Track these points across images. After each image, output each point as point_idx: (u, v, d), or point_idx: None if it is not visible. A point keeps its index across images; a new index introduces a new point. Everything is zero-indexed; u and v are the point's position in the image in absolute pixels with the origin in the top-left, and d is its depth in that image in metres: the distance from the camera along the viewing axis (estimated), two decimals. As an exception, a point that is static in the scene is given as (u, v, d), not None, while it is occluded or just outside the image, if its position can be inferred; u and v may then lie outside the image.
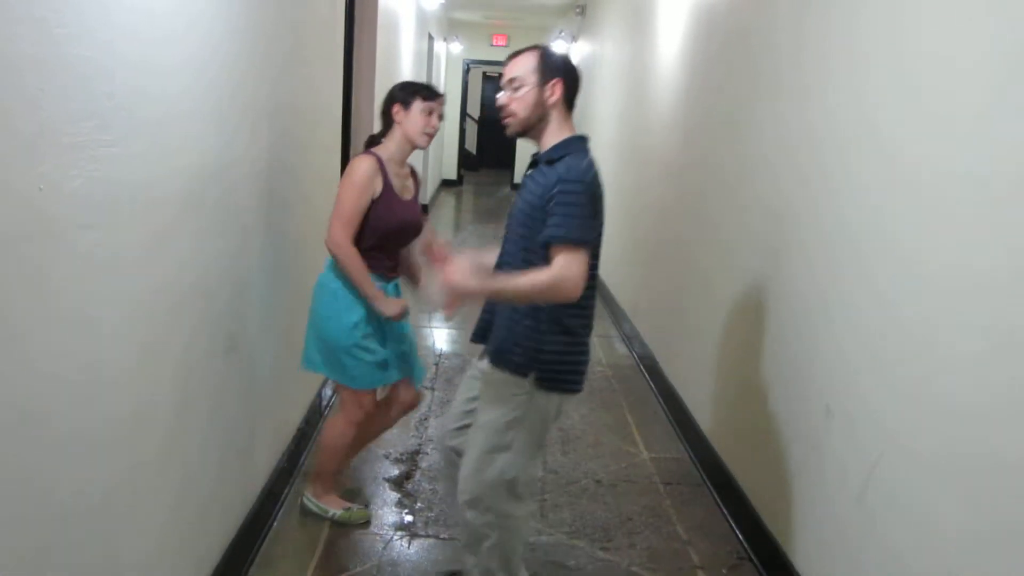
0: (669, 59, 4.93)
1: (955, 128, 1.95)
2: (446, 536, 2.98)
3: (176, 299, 2.00)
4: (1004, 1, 1.81)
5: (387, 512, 3.12)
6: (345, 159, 4.93)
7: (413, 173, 2.94)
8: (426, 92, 2.75)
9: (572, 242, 2.09)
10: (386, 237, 2.76)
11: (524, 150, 14.75)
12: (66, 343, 1.50)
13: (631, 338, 5.54)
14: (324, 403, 3.90)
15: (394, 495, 3.25)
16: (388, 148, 2.77)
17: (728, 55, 3.75)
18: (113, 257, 1.65)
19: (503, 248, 2.35)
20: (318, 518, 2.99)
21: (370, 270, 2.72)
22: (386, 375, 2.86)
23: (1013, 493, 1.67)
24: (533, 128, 2.27)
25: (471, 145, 16.96)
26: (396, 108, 2.73)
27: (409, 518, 3.09)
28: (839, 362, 2.43)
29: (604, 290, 6.77)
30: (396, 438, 3.78)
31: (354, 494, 3.21)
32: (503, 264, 2.31)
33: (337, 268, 2.73)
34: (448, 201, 13.21)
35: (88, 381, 1.58)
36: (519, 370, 2.24)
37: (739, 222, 3.41)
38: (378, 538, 2.94)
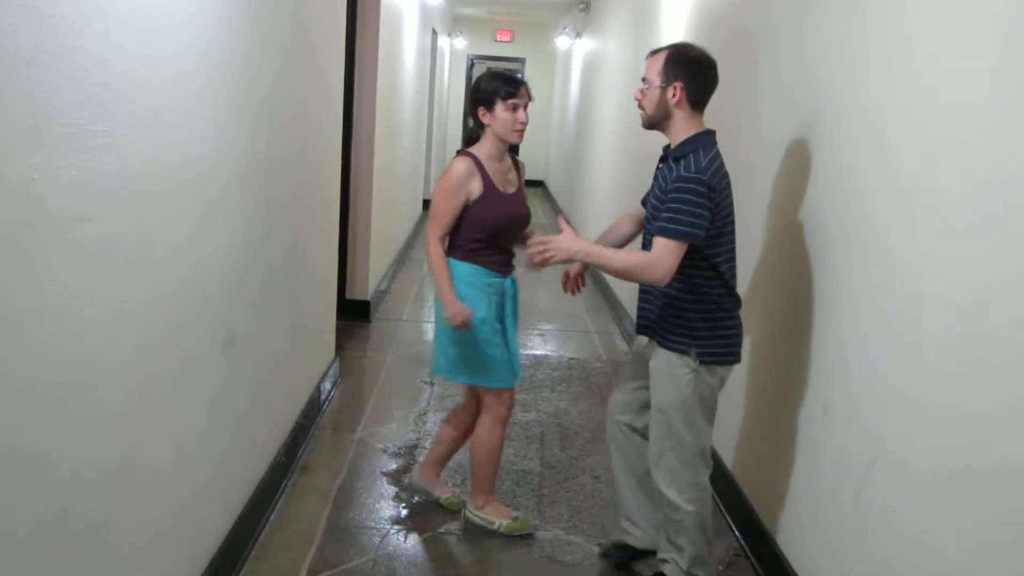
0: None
1: (955, 131, 1.93)
2: (443, 530, 2.99)
3: (173, 292, 1.99)
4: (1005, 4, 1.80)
5: (384, 506, 3.13)
6: (347, 153, 4.94)
7: (516, 164, 2.93)
8: (505, 90, 2.70)
9: (672, 235, 2.29)
10: (494, 233, 2.75)
11: (527, 146, 14.71)
12: (60, 336, 1.50)
13: (630, 334, 5.53)
14: (323, 397, 3.91)
15: (391, 489, 3.25)
16: (484, 147, 2.77)
17: (730, 53, 3.74)
18: (108, 249, 1.65)
19: (644, 234, 2.58)
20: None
21: (483, 266, 2.75)
22: (515, 372, 2.85)
23: (1007, 501, 1.66)
24: (660, 124, 2.49)
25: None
26: (481, 111, 2.73)
27: (406, 512, 3.09)
28: (837, 361, 2.43)
29: (605, 287, 6.77)
30: (395, 432, 3.78)
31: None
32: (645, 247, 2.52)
33: (461, 269, 2.75)
34: (451, 196, 13.17)
35: (82, 375, 1.58)
36: (679, 348, 2.46)
37: (740, 219, 3.39)
38: (375, 532, 2.94)
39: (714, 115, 2.52)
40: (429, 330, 5.56)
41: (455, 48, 14.03)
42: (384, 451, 3.59)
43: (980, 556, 1.74)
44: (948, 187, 1.96)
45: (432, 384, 4.44)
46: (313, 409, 3.70)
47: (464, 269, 2.75)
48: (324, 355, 4.04)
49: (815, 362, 2.57)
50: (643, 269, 2.33)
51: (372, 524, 2.99)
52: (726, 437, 3.37)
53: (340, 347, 4.51)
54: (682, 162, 2.37)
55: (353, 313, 5.38)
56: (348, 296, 5.35)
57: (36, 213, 1.39)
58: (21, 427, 1.40)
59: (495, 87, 2.72)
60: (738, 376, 3.21)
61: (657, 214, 2.38)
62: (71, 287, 1.52)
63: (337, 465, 3.42)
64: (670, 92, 2.42)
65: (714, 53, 2.53)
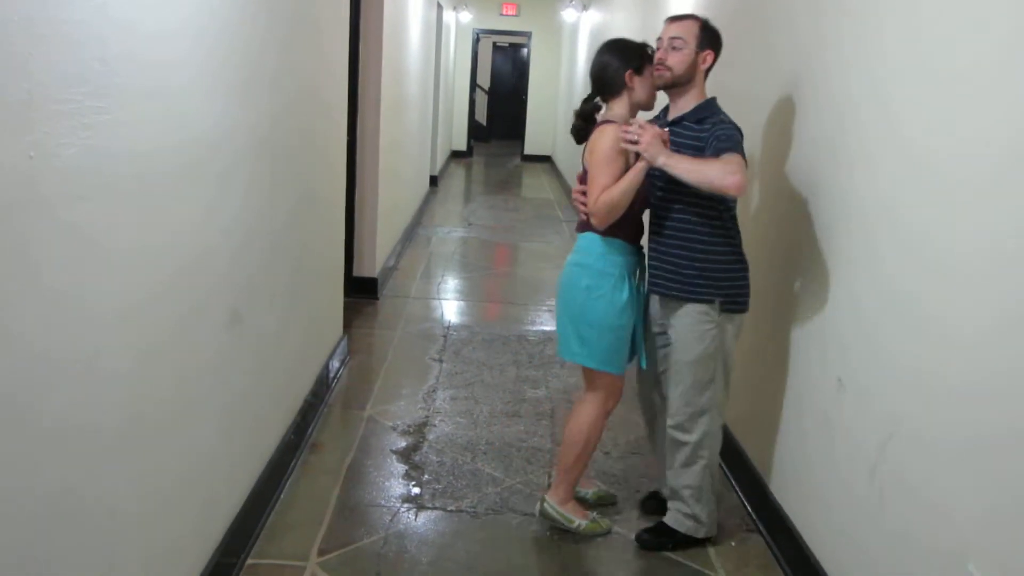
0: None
1: (967, 103, 1.89)
2: (453, 508, 2.98)
3: (176, 271, 1.97)
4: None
5: (394, 484, 3.12)
6: (352, 129, 4.89)
7: None
8: (651, 54, 2.63)
9: (737, 149, 2.40)
10: (635, 203, 2.60)
11: (534, 121, 14.66)
12: (58, 316, 1.47)
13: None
14: (331, 375, 3.90)
15: (401, 467, 3.24)
16: (618, 115, 2.64)
17: (740, 25, 3.67)
18: (108, 229, 1.62)
19: (654, 200, 2.63)
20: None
21: (619, 238, 2.64)
22: (632, 358, 2.78)
23: (1021, 476, 1.64)
24: (680, 86, 2.57)
25: (481, 116, 16.85)
26: (630, 75, 2.61)
27: (416, 490, 3.08)
28: (850, 334, 2.39)
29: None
30: (404, 410, 3.77)
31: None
32: (659, 210, 2.63)
33: (602, 245, 2.63)
34: (458, 172, 13.15)
35: (82, 357, 1.56)
36: (705, 298, 2.56)
37: (750, 191, 3.35)
38: (385, 510, 2.93)
39: (725, 87, 2.50)
40: (437, 307, 5.53)
41: (460, 22, 13.90)
42: (394, 429, 3.57)
43: (997, 528, 1.72)
44: (956, 151, 1.91)
45: (441, 361, 4.42)
46: (322, 387, 3.69)
47: (616, 245, 2.66)
48: (332, 333, 4.02)
49: (828, 335, 2.54)
50: (726, 174, 2.32)
51: (382, 502, 2.98)
52: (737, 410, 3.35)
53: (348, 325, 4.49)
54: (708, 121, 2.51)
55: (360, 290, 5.36)
56: (355, 273, 5.33)
57: (34, 192, 1.36)
58: (14, 416, 1.38)
59: (642, 51, 2.62)
60: (750, 348, 3.19)
61: (668, 181, 2.50)
62: (68, 269, 1.49)
63: (347, 443, 3.41)
64: (701, 58, 2.55)
65: (724, 24, 2.52)
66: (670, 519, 2.79)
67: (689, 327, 2.59)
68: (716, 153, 2.40)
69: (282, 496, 2.95)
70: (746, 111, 3.46)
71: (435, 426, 3.62)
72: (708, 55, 2.56)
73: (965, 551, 1.80)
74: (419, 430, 3.58)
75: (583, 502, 2.97)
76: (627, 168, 2.53)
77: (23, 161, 1.32)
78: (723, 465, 3.39)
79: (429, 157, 9.86)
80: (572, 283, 2.70)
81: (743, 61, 3.59)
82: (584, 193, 2.60)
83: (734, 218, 2.62)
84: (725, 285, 2.58)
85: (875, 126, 2.32)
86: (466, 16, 13.81)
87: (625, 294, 2.65)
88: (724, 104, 2.63)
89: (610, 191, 2.50)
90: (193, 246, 2.07)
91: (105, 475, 1.68)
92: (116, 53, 1.60)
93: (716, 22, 2.61)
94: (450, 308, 5.54)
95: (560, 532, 2.86)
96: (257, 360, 2.69)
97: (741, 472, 3.21)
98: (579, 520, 2.85)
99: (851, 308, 2.40)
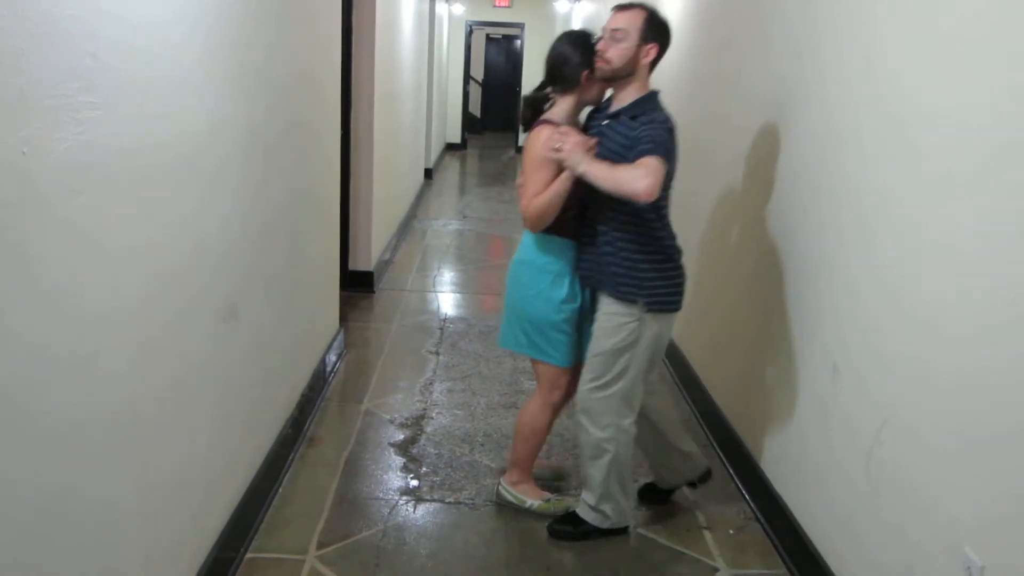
0: (674, 14, 4.84)
1: (961, 86, 1.89)
2: (451, 500, 2.98)
3: (171, 266, 1.96)
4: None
5: (392, 477, 3.12)
6: (346, 121, 4.87)
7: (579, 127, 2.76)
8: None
9: (657, 152, 2.33)
10: (571, 204, 2.58)
11: (528, 112, 14.58)
12: (55, 312, 1.47)
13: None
14: (328, 369, 3.89)
15: (399, 460, 3.25)
16: (562, 111, 2.62)
17: (735, 9, 3.67)
18: (103, 224, 1.61)
19: (590, 195, 2.52)
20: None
21: (557, 235, 2.63)
22: (579, 354, 2.77)
23: (1020, 465, 1.64)
24: (620, 79, 2.52)
25: (475, 108, 16.81)
26: (587, 75, 2.55)
27: (414, 483, 3.09)
28: (845, 321, 2.40)
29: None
30: (401, 403, 3.77)
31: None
32: (592, 210, 2.58)
33: (541, 243, 2.66)
34: (452, 165, 13.12)
35: (79, 353, 1.55)
36: (629, 297, 2.54)
37: (748, 180, 3.35)
38: (383, 503, 2.93)
39: (720, 71, 2.49)
40: (433, 300, 5.53)
41: (453, 14, 13.86)
42: (391, 422, 3.58)
43: (993, 514, 1.72)
44: (951, 138, 1.91)
45: (438, 354, 4.42)
46: (319, 381, 3.69)
47: (556, 243, 2.66)
48: (328, 327, 4.02)
49: (824, 322, 2.54)
50: (635, 181, 2.29)
51: (381, 495, 2.98)
52: (733, 397, 3.36)
53: (344, 318, 4.49)
54: (643, 117, 2.46)
55: (356, 284, 5.35)
56: (351, 267, 5.32)
57: (27, 188, 1.35)
58: (9, 412, 1.38)
59: (595, 48, 2.56)
60: (744, 340, 3.19)
61: (623, 156, 2.42)
62: (62, 264, 1.49)
63: (344, 437, 3.41)
64: (644, 51, 2.48)
65: (718, 8, 2.51)
66: (579, 508, 2.80)
67: (608, 320, 2.59)
68: (638, 156, 2.35)
69: (280, 490, 2.95)
70: (742, 104, 3.46)
71: (432, 419, 3.63)
72: (652, 48, 2.48)
73: (961, 537, 1.80)
74: (417, 423, 3.58)
75: (541, 483, 3.03)
76: (560, 171, 2.52)
77: (16, 157, 1.31)
78: (721, 454, 3.40)
79: (423, 150, 9.85)
80: (514, 279, 2.76)
81: (738, 52, 3.58)
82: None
83: (665, 218, 2.57)
84: (651, 286, 2.55)
85: (870, 113, 2.32)
86: (459, 8, 13.77)
87: (563, 291, 2.67)
88: (721, 96, 2.62)
89: (539, 199, 2.53)
90: (188, 240, 2.06)
91: (103, 471, 1.68)
92: (108, 47, 1.59)
93: (707, 13, 2.59)
94: (446, 301, 5.54)
95: (524, 512, 2.88)
96: (254, 354, 2.69)
97: (739, 460, 3.22)
98: (531, 500, 2.91)
99: (847, 295, 2.41)
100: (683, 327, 4.30)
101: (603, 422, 2.63)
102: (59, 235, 1.46)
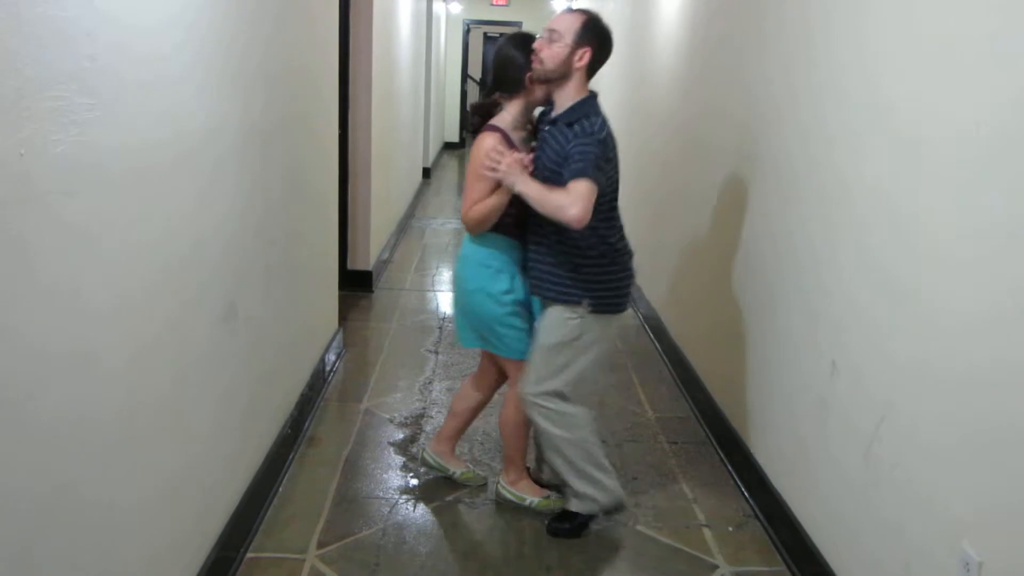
0: (671, 11, 4.84)
1: (956, 82, 1.89)
2: (451, 499, 2.98)
3: (169, 266, 1.96)
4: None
5: (392, 476, 3.12)
6: (344, 121, 4.87)
7: (532, 126, 2.76)
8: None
9: (587, 175, 2.36)
10: (512, 205, 2.59)
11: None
12: (54, 312, 1.47)
13: (636, 299, 5.51)
14: (328, 368, 3.90)
15: (399, 459, 3.25)
16: (510, 116, 2.64)
17: (731, 6, 3.67)
18: (100, 225, 1.61)
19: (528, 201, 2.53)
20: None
21: (498, 233, 2.66)
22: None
23: (1018, 465, 1.65)
24: (554, 82, 2.53)
25: (473, 107, 16.77)
26: (530, 76, 2.57)
27: (414, 482, 3.09)
28: (843, 317, 2.40)
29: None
30: (401, 402, 3.78)
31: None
32: (530, 213, 2.56)
33: (480, 239, 2.69)
34: (450, 164, 13.13)
35: (75, 353, 1.55)
36: (572, 299, 2.58)
37: (744, 178, 3.36)
38: (383, 502, 2.94)
39: (717, 67, 2.49)
40: (432, 299, 5.54)
41: (451, 13, 13.86)
42: (391, 421, 3.58)
43: (990, 510, 1.73)
44: (946, 134, 1.92)
45: (437, 353, 4.43)
46: (318, 381, 3.69)
47: (495, 240, 2.69)
48: (327, 326, 4.02)
49: (821, 318, 2.54)
50: (565, 208, 2.33)
51: (380, 494, 2.99)
52: (731, 394, 3.36)
53: (343, 318, 4.49)
54: (576, 126, 2.46)
55: (355, 284, 5.36)
56: (350, 267, 5.32)
57: (25, 189, 1.35)
58: (8, 414, 1.38)
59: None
60: (744, 338, 3.20)
61: (554, 179, 2.45)
62: (60, 265, 1.49)
63: (344, 436, 3.41)
64: (577, 55, 2.49)
65: (715, 5, 2.50)
66: (568, 502, 2.82)
67: (552, 317, 2.63)
68: (570, 176, 2.37)
69: (280, 490, 2.95)
70: (738, 100, 3.46)
71: (432, 418, 3.63)
72: (585, 52, 2.48)
73: (959, 533, 1.81)
74: (416, 422, 3.58)
75: (451, 480, 3.06)
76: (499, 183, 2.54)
77: (14, 158, 1.31)
78: (720, 451, 3.41)
79: (422, 149, 9.85)
80: (456, 276, 2.80)
81: (733, 47, 3.59)
82: None
83: (611, 219, 2.59)
84: (595, 287, 2.58)
85: (864, 109, 2.33)
86: (456, 7, 13.77)
87: (503, 284, 2.69)
88: (717, 90, 2.62)
89: (477, 208, 2.58)
90: (186, 240, 2.07)
91: (103, 470, 1.68)
92: (105, 48, 1.59)
93: (705, 10, 2.59)
94: (445, 300, 5.54)
95: (524, 510, 2.88)
96: (253, 354, 2.69)
97: (738, 458, 3.22)
98: (531, 498, 2.92)
99: (843, 292, 2.41)
100: (681, 323, 4.31)
101: (549, 414, 2.67)
102: (57, 235, 1.46)
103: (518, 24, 14.65)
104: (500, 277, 2.69)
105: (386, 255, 6.15)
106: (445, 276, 6.15)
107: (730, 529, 2.90)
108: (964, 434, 1.82)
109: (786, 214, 2.87)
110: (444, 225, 8.00)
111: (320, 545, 2.66)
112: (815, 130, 2.66)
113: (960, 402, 1.84)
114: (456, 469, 3.07)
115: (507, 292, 2.70)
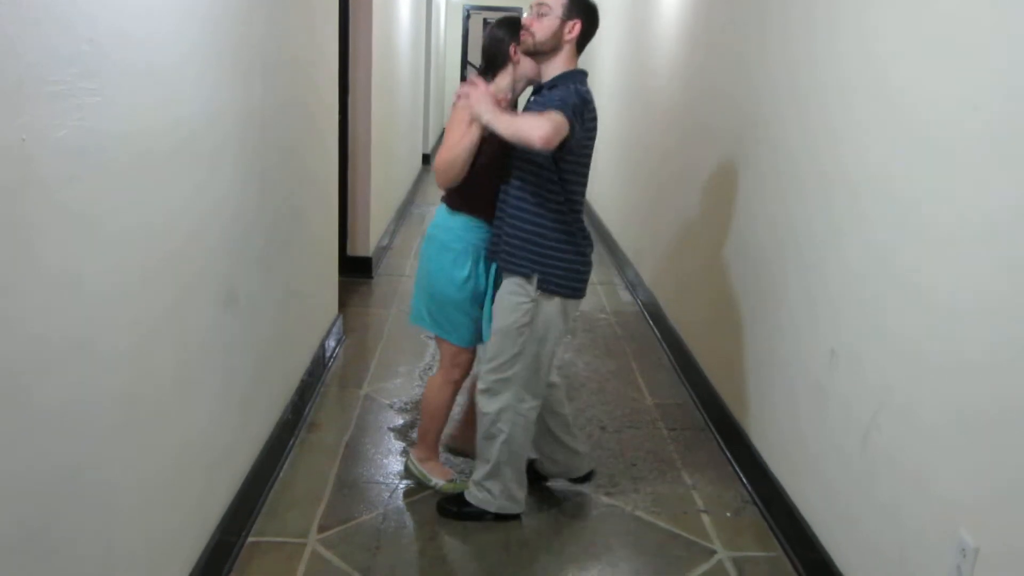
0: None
1: (957, 69, 1.89)
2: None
3: (170, 252, 1.97)
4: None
5: (392, 461, 3.14)
6: (344, 107, 4.86)
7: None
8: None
9: (561, 109, 2.33)
10: (486, 179, 2.62)
11: (526, 96, 14.55)
12: (55, 298, 1.47)
13: (635, 285, 5.52)
14: (328, 354, 3.91)
15: (399, 444, 3.26)
16: (501, 87, 2.67)
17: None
18: (101, 210, 1.61)
19: (510, 169, 2.57)
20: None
21: (466, 213, 2.67)
22: (481, 334, 2.79)
23: (1016, 449, 1.65)
24: (543, 55, 2.54)
25: (473, 93, 16.73)
26: (514, 47, 2.62)
27: (414, 467, 3.10)
28: (844, 305, 2.41)
29: (607, 236, 6.73)
30: (400, 388, 3.79)
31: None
32: (503, 188, 2.59)
33: (448, 220, 2.69)
34: (450, 150, 13.06)
35: (76, 338, 1.56)
36: (523, 270, 2.54)
37: (744, 164, 3.36)
38: (384, 486, 2.95)
39: (719, 56, 2.49)
40: (432, 285, 5.53)
41: (451, -2, 13.80)
42: (391, 407, 3.59)
43: (988, 503, 1.74)
44: (946, 119, 1.92)
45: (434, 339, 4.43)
46: (318, 366, 3.70)
47: (461, 221, 2.70)
48: (327, 312, 4.03)
49: (821, 305, 2.55)
50: (533, 130, 2.27)
51: (380, 479, 3.00)
52: (730, 381, 3.37)
53: (343, 304, 4.50)
54: (558, 88, 2.47)
55: (355, 270, 5.36)
56: (349, 253, 5.32)
57: (27, 174, 1.36)
58: (9, 400, 1.39)
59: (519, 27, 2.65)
60: (742, 325, 3.21)
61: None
62: (62, 250, 1.49)
63: (344, 421, 3.43)
64: (567, 28, 2.51)
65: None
66: (469, 490, 2.80)
67: (504, 296, 2.60)
68: (541, 110, 2.36)
69: (281, 475, 2.97)
70: (739, 84, 3.46)
71: (432, 403, 3.64)
72: (575, 25, 2.50)
73: (956, 520, 1.82)
74: (416, 407, 3.59)
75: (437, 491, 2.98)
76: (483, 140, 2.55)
77: (16, 144, 1.31)
78: (719, 437, 3.42)
79: (421, 135, 9.83)
80: (423, 253, 2.79)
81: (736, 34, 3.58)
82: None
83: (574, 203, 2.55)
84: (546, 263, 2.53)
85: (866, 96, 2.32)
86: (456, -8, 13.70)
87: (464, 271, 2.69)
88: (718, 75, 2.62)
89: (447, 150, 2.56)
90: (187, 225, 2.07)
91: (105, 456, 1.69)
92: (106, 32, 1.59)
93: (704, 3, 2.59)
94: (445, 286, 5.54)
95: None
96: (253, 340, 2.70)
97: (736, 443, 3.24)
98: (436, 479, 2.93)
99: (842, 278, 2.42)
100: (680, 309, 4.32)
101: (499, 403, 2.64)
102: (58, 220, 1.47)
103: (518, 9, 14.59)
104: (461, 261, 2.68)
105: (386, 241, 6.15)
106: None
107: (728, 515, 2.91)
108: (961, 421, 1.83)
109: (786, 200, 2.87)
110: (444, 211, 7.98)
111: (321, 529, 2.68)
112: (814, 116, 2.66)
113: (957, 389, 1.85)
114: (439, 479, 2.99)
115: (467, 280, 2.69)
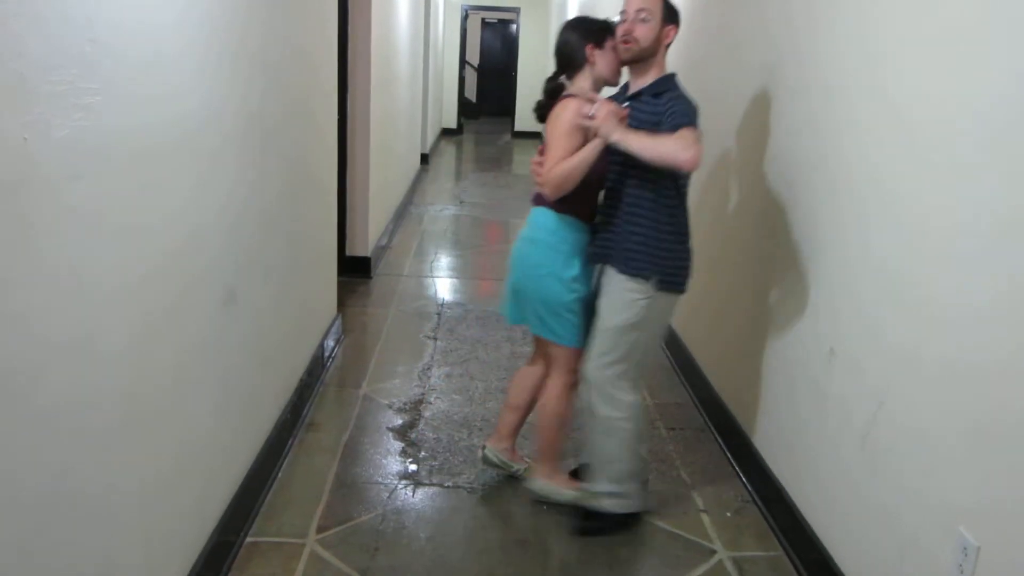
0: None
1: (956, 73, 1.89)
2: (450, 484, 3.00)
3: (170, 251, 1.96)
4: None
5: (391, 461, 3.13)
6: (343, 105, 4.86)
7: None
8: (612, 29, 2.62)
9: (692, 126, 2.40)
10: (592, 181, 2.60)
11: (524, 98, 14.59)
12: (56, 296, 1.47)
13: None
14: (326, 354, 3.90)
15: (398, 444, 3.26)
16: (582, 89, 2.63)
17: (728, 2, 3.67)
18: (103, 208, 1.61)
19: (610, 176, 2.62)
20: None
21: (572, 215, 2.66)
22: (586, 335, 2.74)
23: (1016, 456, 1.65)
24: (643, 60, 2.56)
25: (470, 93, 16.77)
26: (591, 48, 2.60)
27: (413, 467, 3.10)
28: (843, 306, 2.41)
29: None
30: (399, 388, 3.79)
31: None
32: (612, 188, 2.63)
33: (555, 222, 2.66)
34: (448, 150, 13.10)
35: (77, 337, 1.55)
36: (642, 273, 2.56)
37: (745, 163, 3.36)
38: (383, 487, 2.95)
39: (719, 52, 2.49)
40: (430, 285, 5.54)
41: (449, -1, 13.80)
42: (390, 407, 3.59)
43: (989, 502, 1.74)
44: (946, 123, 1.92)
45: (435, 339, 4.43)
46: (317, 366, 3.70)
47: (569, 222, 2.67)
48: (326, 312, 4.02)
49: (820, 305, 2.55)
50: (678, 152, 2.33)
51: (379, 479, 3.00)
52: (729, 380, 3.37)
53: (342, 304, 4.50)
54: (666, 94, 2.51)
55: (354, 270, 5.36)
56: (348, 252, 5.32)
57: (29, 173, 1.35)
58: (9, 399, 1.38)
59: (604, 25, 2.64)
60: (742, 324, 3.21)
61: (653, 131, 2.45)
62: (63, 249, 1.49)
63: (343, 421, 3.42)
64: (666, 32, 2.55)
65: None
66: (598, 501, 2.75)
67: (619, 296, 2.60)
68: (672, 128, 2.39)
69: (280, 475, 2.96)
70: (735, 88, 3.46)
71: (431, 403, 3.64)
72: (671, 30, 2.55)
73: (956, 519, 1.82)
74: (415, 407, 3.59)
75: (512, 477, 3.01)
76: (586, 143, 2.52)
77: (18, 143, 1.31)
78: (718, 437, 3.42)
79: (419, 135, 9.82)
80: (523, 259, 2.74)
81: (730, 35, 3.58)
82: (542, 165, 2.61)
83: (683, 200, 2.61)
84: (664, 264, 2.57)
85: (864, 98, 2.33)
86: (454, -8, 13.71)
87: (574, 270, 2.67)
88: (717, 73, 2.62)
89: (565, 163, 2.52)
90: (186, 224, 2.07)
91: (103, 454, 1.68)
92: (106, 31, 1.58)
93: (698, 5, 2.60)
94: (443, 286, 5.55)
95: (556, 505, 2.88)
96: (252, 339, 2.70)
97: (736, 443, 3.24)
98: (569, 492, 2.86)
99: (841, 279, 2.42)
100: (680, 310, 4.31)
101: (615, 400, 2.64)
102: (60, 219, 1.46)
103: (516, 10, 14.61)
104: (571, 262, 2.66)
105: (384, 241, 6.15)
106: (443, 262, 6.15)
107: (728, 515, 2.91)
108: (961, 420, 1.83)
109: (783, 200, 2.87)
110: (442, 211, 7.99)
111: (320, 530, 2.67)
112: (813, 119, 2.66)
113: (956, 390, 1.85)
114: (519, 466, 2.99)
115: (575, 279, 2.67)
